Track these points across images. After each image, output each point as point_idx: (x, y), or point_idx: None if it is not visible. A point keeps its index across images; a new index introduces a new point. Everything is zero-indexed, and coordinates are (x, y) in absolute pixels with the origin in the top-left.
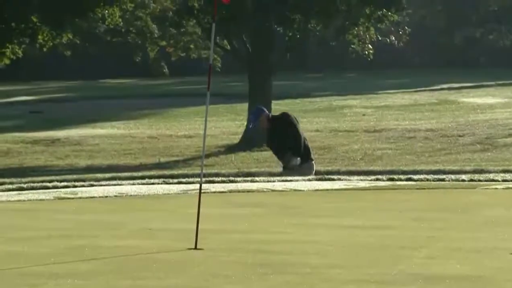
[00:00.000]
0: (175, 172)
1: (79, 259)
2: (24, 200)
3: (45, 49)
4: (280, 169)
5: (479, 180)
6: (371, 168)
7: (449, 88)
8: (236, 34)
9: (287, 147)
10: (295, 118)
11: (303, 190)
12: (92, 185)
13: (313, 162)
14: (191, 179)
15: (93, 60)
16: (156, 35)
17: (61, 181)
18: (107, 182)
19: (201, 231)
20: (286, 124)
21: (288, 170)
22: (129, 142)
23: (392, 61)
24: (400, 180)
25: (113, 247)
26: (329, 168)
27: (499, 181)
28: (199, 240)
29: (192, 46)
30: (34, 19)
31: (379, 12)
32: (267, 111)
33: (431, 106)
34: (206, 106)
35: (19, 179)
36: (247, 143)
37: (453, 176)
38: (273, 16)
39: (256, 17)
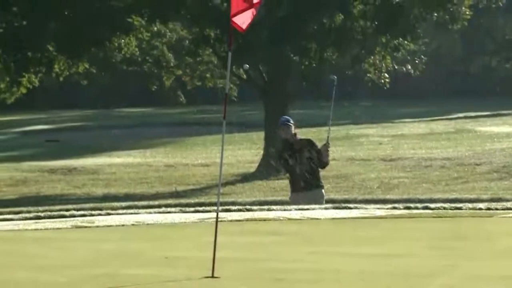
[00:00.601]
0: (191, 200)
1: None
2: (41, 229)
3: (61, 78)
4: (287, 198)
5: (496, 209)
6: (388, 196)
7: (465, 117)
8: (252, 63)
9: (310, 167)
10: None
11: (320, 219)
12: (109, 214)
13: (323, 190)
14: (207, 208)
15: (109, 89)
16: (172, 64)
17: (78, 209)
18: (124, 211)
19: (218, 260)
20: (313, 145)
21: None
22: (146, 171)
23: (408, 90)
24: (417, 208)
25: (131, 276)
26: (346, 197)
27: None
28: (216, 269)
29: (208, 75)
30: (51, 48)
31: (395, 41)
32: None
33: (448, 135)
34: (222, 134)
35: (36, 208)
36: (264, 171)
37: (470, 205)
38: (289, 45)
39: (272, 46)
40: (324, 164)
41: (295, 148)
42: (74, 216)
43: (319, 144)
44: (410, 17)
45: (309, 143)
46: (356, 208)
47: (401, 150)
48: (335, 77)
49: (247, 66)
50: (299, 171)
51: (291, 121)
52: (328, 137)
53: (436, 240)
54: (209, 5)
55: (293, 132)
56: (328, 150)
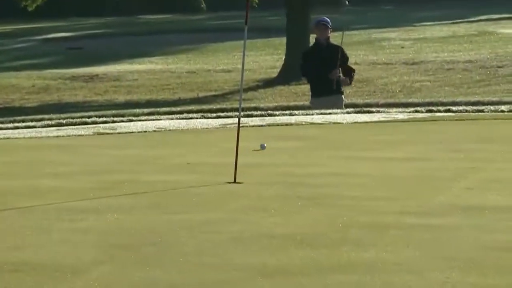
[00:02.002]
0: (213, 106)
1: (119, 193)
2: (63, 136)
3: None
4: (307, 103)
5: None
6: (410, 100)
7: (487, 19)
8: None
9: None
10: None
11: (342, 123)
12: (131, 120)
13: (343, 96)
14: (229, 113)
15: None
16: None
17: (100, 116)
18: (146, 117)
19: (240, 165)
20: (343, 53)
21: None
22: (168, 77)
23: None
24: (439, 111)
25: (153, 182)
26: (368, 101)
27: None
28: (238, 174)
29: None
30: None
31: None
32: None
33: (470, 38)
34: (244, 40)
35: (58, 115)
36: (285, 77)
37: (492, 107)
38: None
39: None
40: (349, 77)
41: (324, 52)
42: (96, 123)
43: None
44: None
45: (339, 50)
46: (378, 112)
47: (423, 54)
48: None
49: None
50: (323, 75)
51: (330, 24)
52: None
53: (459, 142)
54: None
55: (328, 35)
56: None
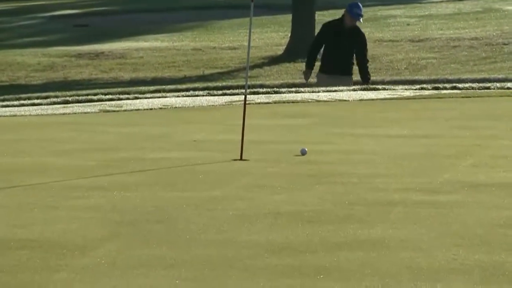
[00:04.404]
0: (219, 84)
1: (125, 171)
2: (69, 113)
3: None
4: (314, 79)
5: None
6: (416, 77)
7: None
8: None
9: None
10: None
11: (348, 100)
12: (136, 98)
13: (352, 77)
14: (235, 91)
15: None
16: None
17: (105, 94)
18: (151, 95)
19: (246, 142)
20: (362, 38)
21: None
22: (173, 55)
23: None
24: (445, 89)
25: (159, 159)
26: (374, 78)
27: None
28: (245, 151)
29: None
30: None
31: None
32: None
33: (476, 15)
34: (250, 17)
35: (64, 93)
36: (291, 54)
37: (498, 84)
38: None
39: None
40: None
41: (344, 32)
42: (102, 100)
43: None
44: None
45: (359, 33)
46: (384, 89)
47: (429, 31)
48: None
49: None
50: (337, 53)
51: (362, 15)
52: None
53: (465, 120)
54: None
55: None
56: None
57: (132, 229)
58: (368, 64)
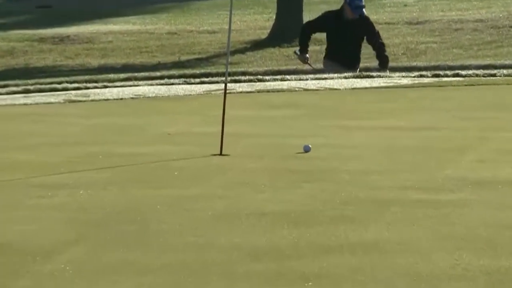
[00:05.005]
0: (197, 71)
1: (93, 167)
2: (30, 104)
3: None
4: (319, 65)
5: None
6: (414, 63)
7: None
8: None
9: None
10: None
11: (339, 89)
12: (105, 86)
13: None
14: (215, 79)
15: None
16: None
17: (71, 82)
18: (122, 83)
19: (226, 135)
20: (368, 25)
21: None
22: (146, 39)
23: None
24: (446, 76)
25: (130, 155)
26: (368, 64)
27: None
28: (225, 146)
29: None
30: None
31: None
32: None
33: None
34: None
35: (25, 81)
36: (276, 38)
37: (505, 71)
38: None
39: None
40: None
41: (347, 23)
42: (67, 89)
43: None
44: None
45: (363, 21)
46: (379, 76)
47: (428, 12)
48: None
49: None
50: (342, 46)
51: (364, 6)
52: None
53: (468, 110)
54: None
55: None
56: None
57: (100, 231)
58: (385, 48)
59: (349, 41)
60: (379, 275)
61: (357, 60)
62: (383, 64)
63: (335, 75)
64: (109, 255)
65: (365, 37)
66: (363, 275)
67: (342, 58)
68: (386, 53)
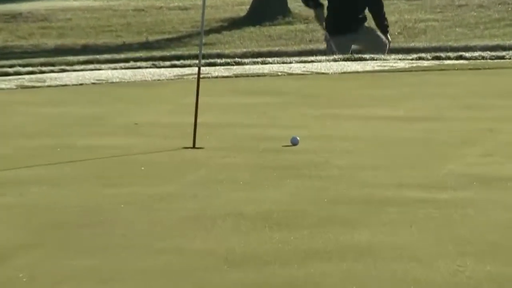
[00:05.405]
0: (167, 53)
1: (49, 162)
2: None
3: None
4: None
5: None
6: (412, 44)
7: None
8: None
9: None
10: None
11: (328, 73)
12: (63, 71)
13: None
14: (187, 62)
15: None
16: None
17: (24, 65)
18: (82, 67)
19: (200, 126)
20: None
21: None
22: (109, 17)
23: None
24: (449, 58)
25: (91, 148)
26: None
27: None
28: (198, 138)
29: None
30: None
31: None
32: None
33: None
34: None
35: None
36: (257, 15)
37: None
38: None
39: None
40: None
41: None
42: (19, 73)
43: None
44: None
45: None
46: (372, 59)
47: None
48: None
49: None
50: (346, 12)
51: None
52: None
53: (473, 98)
54: None
55: None
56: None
57: (57, 234)
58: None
59: (351, 8)
60: (373, 284)
61: (365, 19)
62: (384, 30)
63: (323, 57)
64: (67, 261)
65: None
66: (355, 284)
67: (346, 26)
68: (386, 22)
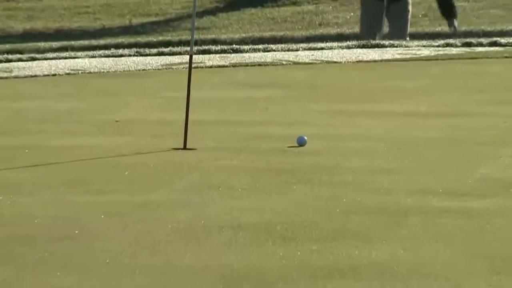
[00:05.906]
0: (153, 38)
1: (17, 165)
2: None
3: None
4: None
5: None
6: (439, 29)
7: None
8: None
9: None
10: None
11: (340, 62)
12: (33, 59)
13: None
14: (176, 49)
15: None
16: None
17: None
18: (55, 54)
19: (192, 124)
20: None
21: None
22: None
23: None
24: (481, 45)
25: (66, 148)
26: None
27: None
28: (190, 137)
29: None
30: None
31: None
32: None
33: None
34: None
35: None
36: None
37: None
38: None
39: None
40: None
41: None
42: None
43: None
44: None
45: None
46: (392, 46)
47: None
48: None
49: None
50: None
51: None
52: None
53: (508, 91)
54: None
55: None
56: None
57: (27, 250)
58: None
59: None
60: None
61: None
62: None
63: (334, 44)
64: (38, 280)
65: None
66: None
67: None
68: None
